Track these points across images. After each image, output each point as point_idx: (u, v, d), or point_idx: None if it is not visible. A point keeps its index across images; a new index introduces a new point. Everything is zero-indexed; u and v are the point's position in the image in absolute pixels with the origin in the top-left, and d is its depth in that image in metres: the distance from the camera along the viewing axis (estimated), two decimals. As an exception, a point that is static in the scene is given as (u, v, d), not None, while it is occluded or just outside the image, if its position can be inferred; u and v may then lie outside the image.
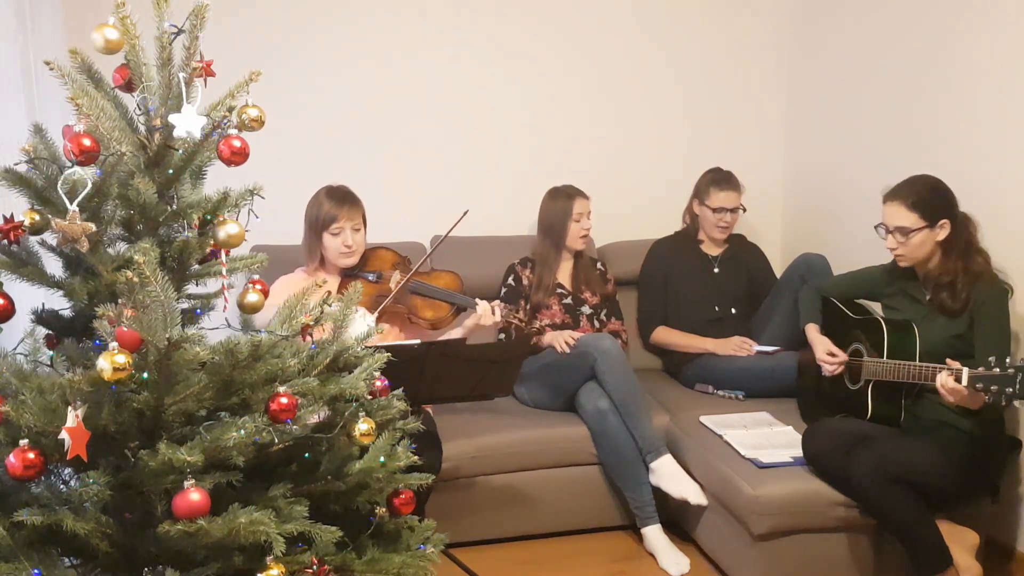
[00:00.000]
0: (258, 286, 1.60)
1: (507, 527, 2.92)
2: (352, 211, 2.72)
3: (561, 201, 3.25)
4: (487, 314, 2.69)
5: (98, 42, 1.42)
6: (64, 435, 1.28)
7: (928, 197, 2.42)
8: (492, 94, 3.63)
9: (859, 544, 2.51)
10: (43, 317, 1.59)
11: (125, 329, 1.32)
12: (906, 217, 2.42)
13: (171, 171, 1.51)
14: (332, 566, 1.53)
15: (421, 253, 3.44)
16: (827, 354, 2.70)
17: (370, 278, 2.78)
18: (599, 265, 3.42)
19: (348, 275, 2.78)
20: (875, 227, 2.53)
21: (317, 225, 2.72)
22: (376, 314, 2.58)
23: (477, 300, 2.73)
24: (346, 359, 1.67)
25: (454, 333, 2.80)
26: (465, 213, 2.76)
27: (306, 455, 1.60)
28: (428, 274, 2.86)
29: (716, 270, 3.44)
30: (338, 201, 2.72)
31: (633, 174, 3.80)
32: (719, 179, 3.36)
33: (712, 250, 3.47)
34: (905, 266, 2.52)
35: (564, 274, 3.32)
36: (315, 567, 1.48)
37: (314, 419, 1.51)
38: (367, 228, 2.81)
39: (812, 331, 2.81)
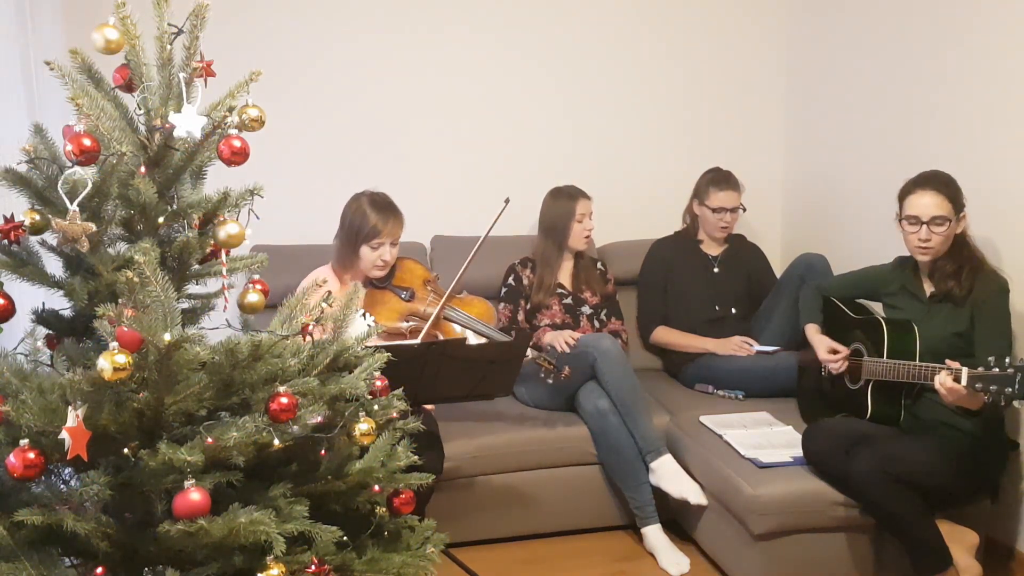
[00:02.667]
0: (258, 286, 1.60)
1: (507, 527, 2.92)
2: (395, 226, 2.68)
3: (563, 202, 3.25)
4: None
5: (98, 42, 1.42)
6: (64, 435, 1.28)
7: (956, 189, 2.44)
8: (492, 94, 3.63)
9: (859, 544, 2.51)
10: (43, 317, 1.59)
11: (125, 329, 1.32)
12: (944, 206, 2.41)
13: (171, 171, 1.51)
14: (332, 566, 1.53)
15: (422, 253, 3.46)
16: (829, 352, 2.70)
17: (402, 296, 2.75)
18: (599, 265, 3.42)
19: (378, 286, 2.75)
20: (899, 221, 2.50)
21: (358, 237, 2.67)
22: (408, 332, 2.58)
23: (500, 335, 2.71)
24: (346, 359, 1.67)
25: None
26: (507, 202, 2.74)
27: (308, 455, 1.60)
28: (461, 299, 2.84)
29: (716, 270, 3.44)
30: (383, 215, 2.67)
31: (633, 174, 3.80)
32: (718, 179, 3.36)
33: (712, 250, 3.48)
34: (927, 259, 2.47)
35: (564, 274, 3.32)
36: (315, 567, 1.48)
37: (315, 419, 1.51)
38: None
39: (812, 331, 2.81)
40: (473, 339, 2.69)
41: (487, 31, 3.59)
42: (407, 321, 2.69)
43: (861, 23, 3.37)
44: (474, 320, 2.75)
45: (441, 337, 2.71)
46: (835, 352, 2.69)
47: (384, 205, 2.71)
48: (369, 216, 2.67)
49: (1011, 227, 2.64)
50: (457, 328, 2.74)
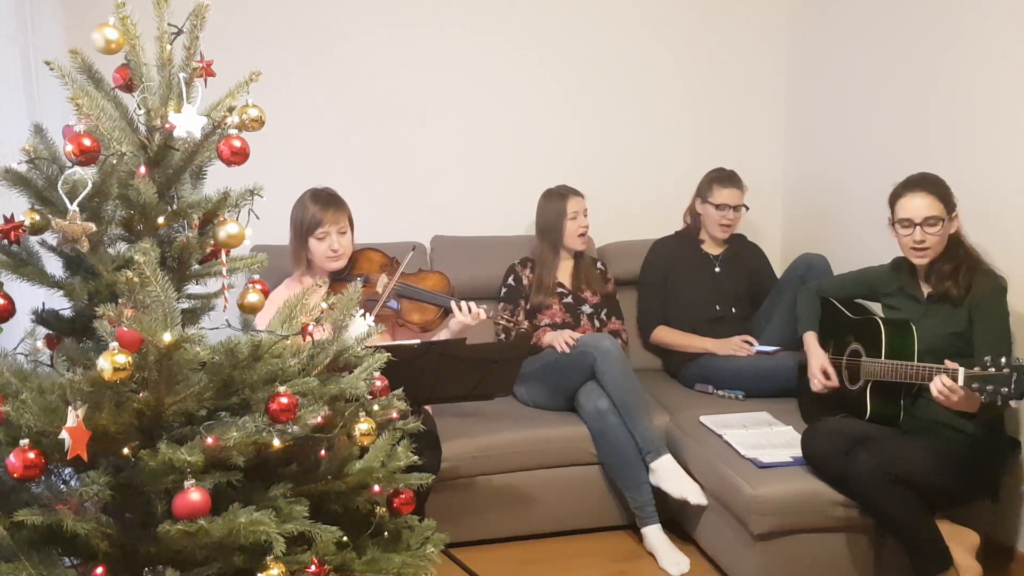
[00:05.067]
0: (258, 286, 1.60)
1: (507, 527, 2.92)
2: (337, 214, 2.70)
3: (555, 201, 3.26)
4: (464, 314, 2.67)
5: (98, 42, 1.42)
6: (64, 435, 1.28)
7: (946, 189, 2.44)
8: (493, 94, 3.63)
9: (859, 544, 2.51)
10: (43, 317, 1.59)
11: (125, 329, 1.32)
12: (936, 207, 2.41)
13: (171, 171, 1.51)
14: (332, 566, 1.53)
15: (422, 252, 3.45)
16: (820, 370, 2.72)
17: (357, 282, 2.75)
18: (599, 264, 3.42)
19: (336, 279, 2.75)
20: (892, 226, 2.50)
21: (302, 230, 2.70)
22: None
23: (452, 301, 2.72)
24: (346, 359, 1.67)
25: (442, 335, 2.77)
26: (414, 248, 2.83)
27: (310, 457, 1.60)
28: (416, 275, 2.84)
29: (717, 269, 3.44)
30: (323, 205, 2.69)
31: (633, 174, 3.80)
32: (722, 177, 3.38)
33: (713, 249, 3.48)
34: (924, 261, 2.47)
35: (565, 273, 3.32)
36: (315, 567, 1.48)
37: (315, 419, 1.51)
38: (355, 230, 2.79)
39: (810, 340, 2.82)
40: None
41: (489, 31, 3.59)
42: (365, 308, 2.68)
43: (861, 24, 3.37)
44: (424, 292, 2.75)
45: (398, 316, 2.73)
46: (826, 374, 2.71)
47: (324, 196, 2.73)
48: (309, 208, 2.70)
49: (1010, 228, 2.64)
50: (411, 303, 2.75)
